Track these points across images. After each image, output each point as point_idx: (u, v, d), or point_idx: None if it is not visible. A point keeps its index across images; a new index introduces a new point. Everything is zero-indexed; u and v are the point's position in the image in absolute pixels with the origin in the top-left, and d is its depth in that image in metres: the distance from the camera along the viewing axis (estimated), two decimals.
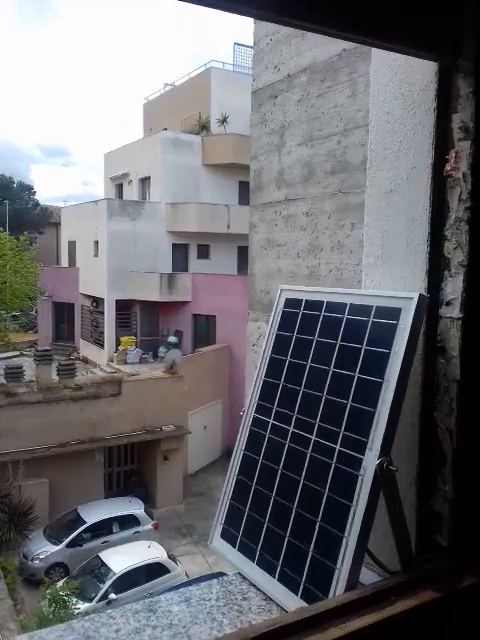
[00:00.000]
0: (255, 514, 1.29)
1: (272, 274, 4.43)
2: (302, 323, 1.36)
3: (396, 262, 1.26)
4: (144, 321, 24.04)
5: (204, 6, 0.97)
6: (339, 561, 1.05)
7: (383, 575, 1.08)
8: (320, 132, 4.06)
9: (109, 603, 12.14)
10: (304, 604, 1.10)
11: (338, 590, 1.03)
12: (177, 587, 9.60)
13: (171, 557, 13.57)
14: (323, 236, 3.78)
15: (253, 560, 1.25)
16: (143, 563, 12.88)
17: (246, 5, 0.91)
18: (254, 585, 1.23)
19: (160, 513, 16.41)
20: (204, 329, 22.69)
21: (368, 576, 1.07)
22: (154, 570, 12.87)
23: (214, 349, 21.14)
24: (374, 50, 1.37)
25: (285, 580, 1.16)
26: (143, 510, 15.46)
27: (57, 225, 36.02)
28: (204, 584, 1.26)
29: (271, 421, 1.34)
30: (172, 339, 22.53)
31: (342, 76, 4.13)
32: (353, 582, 1.02)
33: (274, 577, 1.18)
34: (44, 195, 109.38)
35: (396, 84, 1.35)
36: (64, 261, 29.85)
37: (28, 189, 50.51)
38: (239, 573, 1.28)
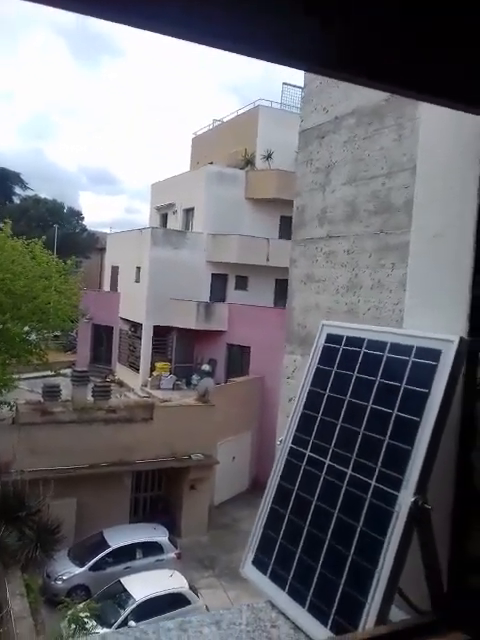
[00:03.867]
0: (288, 544, 1.31)
1: (310, 309, 4.48)
2: (342, 358, 1.40)
3: (438, 304, 1.29)
4: (179, 348, 24.29)
5: (263, 60, 1.04)
6: (370, 596, 1.06)
7: (412, 613, 1.08)
8: (365, 173, 4.15)
9: None
10: (333, 635, 1.11)
11: (368, 624, 1.04)
12: None
13: (192, 589, 13.36)
14: (363, 274, 3.82)
15: (284, 589, 1.27)
16: (164, 592, 12.71)
17: (297, 60, 0.98)
18: (283, 614, 1.25)
19: (184, 542, 16.22)
20: (238, 359, 22.74)
21: (397, 614, 1.08)
22: (175, 600, 12.67)
23: (247, 380, 21.11)
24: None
25: (315, 611, 1.17)
26: (167, 538, 15.34)
27: (102, 250, 37.11)
28: (235, 609, 1.28)
29: (308, 453, 1.37)
30: (205, 367, 22.64)
31: (389, 120, 4.23)
32: (383, 618, 1.03)
33: (304, 607, 1.20)
34: (89, 220, 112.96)
35: (445, 133, 1.40)
36: (106, 285, 30.63)
37: (77, 215, 52.49)
38: (269, 601, 1.30)
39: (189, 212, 26.90)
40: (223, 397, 18.33)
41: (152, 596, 12.53)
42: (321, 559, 1.21)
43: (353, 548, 1.15)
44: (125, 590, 12.78)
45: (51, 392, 16.32)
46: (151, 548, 14.88)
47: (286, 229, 26.11)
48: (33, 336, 19.13)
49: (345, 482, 1.23)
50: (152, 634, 1.19)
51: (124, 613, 12.20)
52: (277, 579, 1.30)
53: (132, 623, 12.08)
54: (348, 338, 1.42)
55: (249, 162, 26.57)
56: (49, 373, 21.09)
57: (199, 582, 14.53)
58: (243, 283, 25.30)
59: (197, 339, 23.99)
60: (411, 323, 1.38)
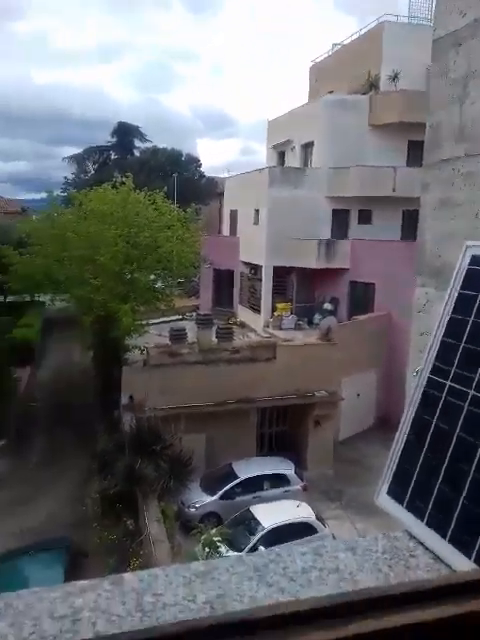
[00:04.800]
0: (426, 474, 1.25)
1: (445, 237, 4.15)
2: None
3: None
4: (300, 288, 24.24)
5: None
6: None
7: None
8: None
9: None
10: (477, 567, 1.05)
11: None
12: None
13: (319, 519, 13.81)
14: None
15: (422, 519, 1.22)
16: (292, 521, 13.27)
17: None
18: (422, 544, 1.21)
19: (310, 475, 16.72)
20: (361, 296, 22.19)
21: None
22: (302, 529, 13.18)
23: (372, 317, 20.64)
24: None
25: (457, 542, 1.12)
26: (293, 471, 15.87)
27: (220, 195, 37.47)
28: (370, 537, 1.27)
29: (448, 383, 1.28)
30: (328, 306, 22.43)
31: None
32: None
33: (445, 538, 1.15)
34: (207, 165, 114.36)
35: None
36: (226, 230, 31.08)
37: (195, 161, 53.27)
38: (406, 531, 1.26)
39: (308, 147, 26.02)
40: (346, 335, 18.15)
41: (280, 524, 13.14)
42: (464, 491, 1.14)
43: None
44: (254, 518, 13.52)
45: (178, 335, 17.18)
46: (278, 479, 15.53)
47: (415, 156, 24.22)
48: (159, 283, 20.18)
49: None
50: (287, 557, 1.21)
51: (254, 539, 12.96)
52: (415, 509, 1.26)
53: (262, 548, 12.84)
54: None
55: (373, 86, 24.73)
56: (175, 317, 22.28)
57: (325, 513, 14.98)
58: (367, 217, 24.23)
59: (318, 278, 23.72)
60: None
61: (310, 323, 22.88)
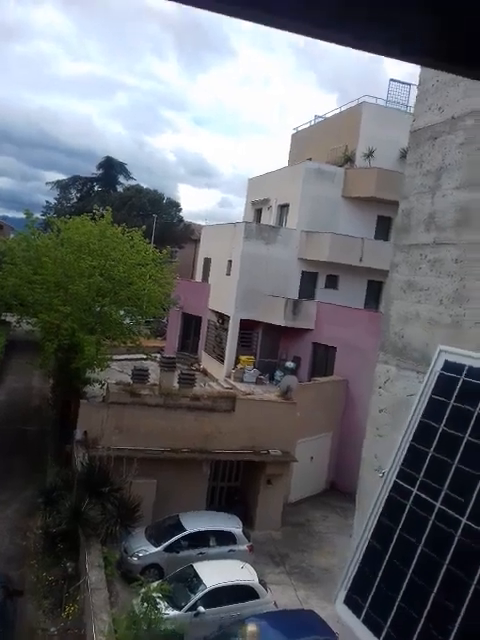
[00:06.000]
0: (386, 588, 1.21)
1: (410, 318, 4.22)
2: (463, 391, 1.27)
3: None
4: (265, 343, 24.37)
5: (388, 57, 0.93)
6: None
7: None
8: None
9: (197, 615, 12.26)
10: None
11: None
12: (265, 615, 9.38)
13: (262, 583, 13.41)
14: (473, 285, 3.52)
15: (379, 638, 1.17)
16: (235, 583, 12.87)
17: (421, 55, 0.85)
18: None
19: (257, 536, 16.34)
20: (323, 359, 22.44)
21: None
22: (244, 592, 12.80)
23: (331, 380, 20.80)
24: None
25: None
26: (241, 530, 15.50)
27: (196, 241, 38.03)
28: None
29: (415, 491, 1.26)
30: (290, 364, 22.55)
31: None
32: None
33: None
34: (185, 210, 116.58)
35: None
36: (198, 276, 31.35)
37: (175, 205, 54.19)
38: None
39: (284, 208, 26.82)
40: (306, 396, 18.19)
41: (222, 585, 12.71)
42: (425, 613, 1.10)
43: (465, 607, 1.03)
44: (197, 575, 13.05)
45: (140, 375, 16.97)
46: (224, 537, 15.09)
47: (383, 230, 25.27)
48: (127, 320, 20.04)
49: (459, 532, 1.11)
50: None
51: (194, 598, 12.46)
52: (372, 625, 1.20)
53: (201, 608, 12.34)
54: (471, 369, 1.28)
55: (349, 159, 25.99)
56: (139, 356, 22.00)
57: (268, 577, 14.57)
58: (333, 282, 24.88)
59: (283, 335, 23.94)
60: None
61: (271, 379, 22.90)
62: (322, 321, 22.59)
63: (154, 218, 41.96)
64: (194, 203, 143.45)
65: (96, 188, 56.47)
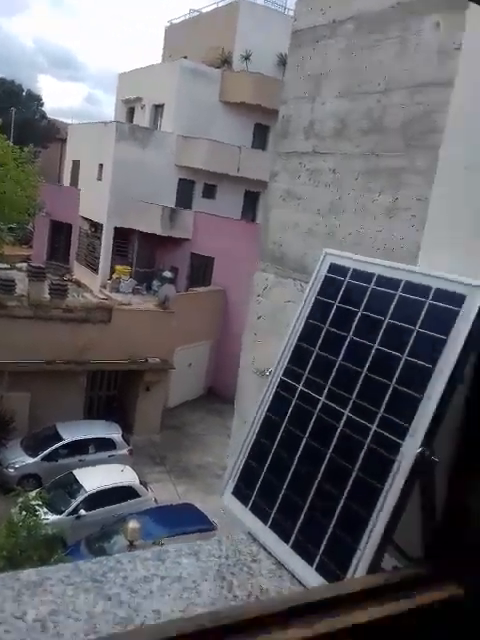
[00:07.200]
0: (273, 477, 1.27)
1: (288, 227, 4.29)
2: (346, 293, 1.31)
3: (464, 245, 1.19)
4: (141, 253, 23.76)
5: None
6: (362, 542, 1.04)
7: (403, 563, 1.08)
8: (359, 87, 3.83)
9: (78, 518, 12.60)
10: (318, 576, 1.10)
11: (358, 571, 1.02)
12: (146, 512, 9.83)
13: (142, 483, 14.02)
14: (347, 197, 3.62)
15: (266, 523, 1.24)
16: (115, 485, 13.31)
17: None
18: (265, 548, 1.23)
19: (136, 440, 16.83)
20: (201, 269, 22.51)
21: (386, 560, 1.07)
22: (125, 493, 13.32)
23: (209, 290, 21.08)
24: (472, 7, 1.24)
25: (300, 549, 1.15)
26: (120, 435, 15.83)
27: (63, 141, 34.82)
28: (213, 540, 1.26)
29: (300, 387, 1.31)
30: (167, 274, 22.35)
31: (392, 31, 3.87)
32: (375, 566, 1.01)
33: (287, 544, 1.18)
34: (49, 106, 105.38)
35: None
36: (66, 180, 29.07)
37: (36, 99, 48.58)
38: (249, 533, 1.28)
39: (158, 109, 25.29)
40: (183, 305, 18.32)
41: (103, 488, 13.10)
42: (309, 497, 1.18)
43: (346, 491, 1.11)
44: (76, 481, 13.29)
45: (6, 286, 15.87)
46: (104, 444, 15.36)
47: (260, 138, 24.97)
48: None
49: (341, 423, 1.18)
50: (128, 563, 1.15)
51: (74, 502, 12.76)
52: (259, 512, 1.27)
53: (82, 512, 12.69)
54: (355, 271, 1.32)
55: (226, 61, 24.78)
56: (3, 266, 20.48)
57: (149, 477, 15.25)
58: (211, 191, 24.47)
59: (160, 245, 23.46)
60: (427, 262, 1.28)
61: (148, 289, 22.63)
62: (200, 231, 22.40)
63: (12, 112, 37.48)
64: (58, 99, 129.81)
65: None
